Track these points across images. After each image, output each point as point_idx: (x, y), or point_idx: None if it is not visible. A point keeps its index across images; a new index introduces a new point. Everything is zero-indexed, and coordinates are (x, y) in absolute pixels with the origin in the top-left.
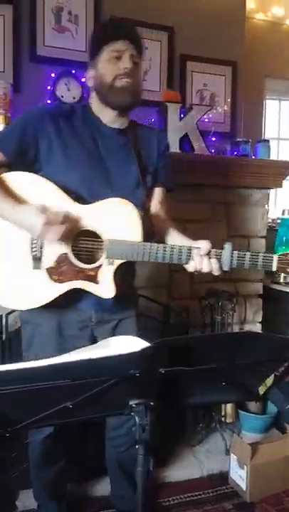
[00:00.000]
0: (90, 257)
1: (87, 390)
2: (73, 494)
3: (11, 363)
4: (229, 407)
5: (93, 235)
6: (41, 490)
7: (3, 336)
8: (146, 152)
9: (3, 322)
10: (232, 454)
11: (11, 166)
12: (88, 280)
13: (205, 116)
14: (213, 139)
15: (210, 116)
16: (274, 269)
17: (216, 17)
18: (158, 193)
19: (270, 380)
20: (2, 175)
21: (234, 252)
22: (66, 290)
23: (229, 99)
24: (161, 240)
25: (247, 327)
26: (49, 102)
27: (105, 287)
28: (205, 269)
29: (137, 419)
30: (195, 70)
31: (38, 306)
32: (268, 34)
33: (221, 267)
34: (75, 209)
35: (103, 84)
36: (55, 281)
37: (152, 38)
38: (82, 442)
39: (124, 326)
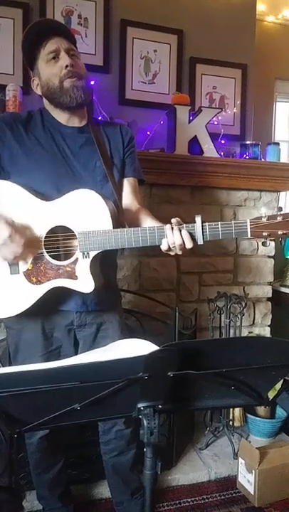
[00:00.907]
0: (67, 252)
1: (96, 393)
2: (79, 496)
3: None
4: (237, 410)
5: (66, 230)
6: (44, 491)
7: None
8: (112, 146)
9: None
10: (240, 459)
11: None
12: (67, 277)
13: (214, 119)
14: (223, 141)
15: (219, 118)
16: (249, 235)
17: (226, 19)
18: (128, 185)
19: (279, 385)
20: None
21: (205, 223)
22: (47, 290)
23: (239, 102)
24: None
25: (256, 330)
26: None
27: (84, 281)
28: (177, 242)
29: (145, 422)
30: (204, 72)
31: (21, 311)
32: (279, 36)
33: (194, 241)
34: (44, 207)
35: (52, 89)
36: (35, 283)
37: (162, 41)
38: (87, 444)
39: (106, 331)
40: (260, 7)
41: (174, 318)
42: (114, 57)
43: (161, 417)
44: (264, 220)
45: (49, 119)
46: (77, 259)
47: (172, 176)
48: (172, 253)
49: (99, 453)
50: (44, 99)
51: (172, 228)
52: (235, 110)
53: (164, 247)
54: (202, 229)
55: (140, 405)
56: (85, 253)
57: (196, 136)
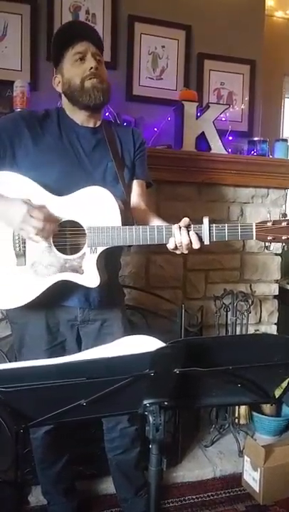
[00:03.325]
0: (74, 247)
1: (102, 389)
2: (84, 492)
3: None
4: (243, 408)
5: (74, 225)
6: (48, 486)
7: None
8: (124, 148)
9: None
10: (245, 456)
11: None
12: (73, 271)
13: (222, 115)
14: (230, 138)
15: (227, 115)
16: (254, 238)
17: (235, 15)
18: (137, 186)
19: (285, 383)
20: None
21: (212, 225)
22: (52, 283)
23: (247, 98)
24: None
25: (262, 328)
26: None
27: (90, 276)
28: (184, 242)
29: (150, 418)
30: (212, 68)
31: (25, 302)
32: (288, 32)
33: (201, 241)
34: (55, 201)
35: (73, 87)
36: (41, 275)
37: (170, 37)
38: (92, 439)
39: (109, 328)
40: (269, 2)
41: (180, 316)
42: (121, 53)
43: (166, 415)
44: (269, 224)
45: (65, 119)
46: (84, 254)
47: (179, 173)
48: (178, 252)
49: (103, 449)
50: (63, 98)
51: (180, 228)
52: (243, 106)
53: (171, 246)
54: (209, 230)
55: (146, 402)
56: (93, 248)
57: (203, 132)
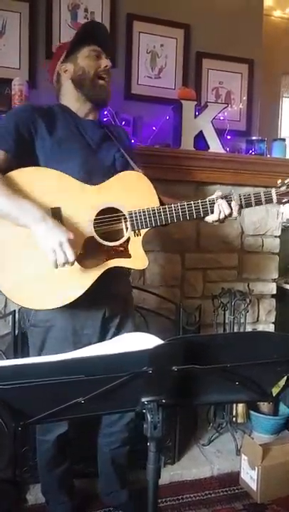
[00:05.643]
0: (116, 233)
1: (100, 386)
2: (83, 490)
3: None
4: (240, 407)
5: (113, 211)
6: (50, 486)
7: (16, 332)
8: (119, 141)
9: (16, 317)
10: (243, 455)
11: (12, 167)
12: (121, 256)
13: (220, 114)
14: (229, 137)
15: (225, 114)
16: (274, 201)
17: (233, 14)
18: None
19: (283, 381)
20: (9, 174)
21: (240, 193)
22: (102, 272)
23: (245, 97)
24: None
25: (260, 327)
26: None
27: (138, 259)
28: (227, 212)
29: (148, 416)
30: (211, 67)
31: (78, 296)
32: (286, 31)
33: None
34: (90, 190)
35: (86, 75)
36: (88, 267)
37: (168, 35)
38: (91, 438)
39: (125, 324)
40: (268, 2)
41: (177, 314)
42: (120, 51)
43: (164, 413)
44: (283, 188)
45: (68, 113)
46: (129, 238)
47: (177, 172)
48: (216, 223)
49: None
50: (66, 88)
51: (223, 199)
52: (241, 106)
53: (214, 217)
54: (239, 199)
55: (144, 399)
56: (136, 231)
57: (201, 131)
